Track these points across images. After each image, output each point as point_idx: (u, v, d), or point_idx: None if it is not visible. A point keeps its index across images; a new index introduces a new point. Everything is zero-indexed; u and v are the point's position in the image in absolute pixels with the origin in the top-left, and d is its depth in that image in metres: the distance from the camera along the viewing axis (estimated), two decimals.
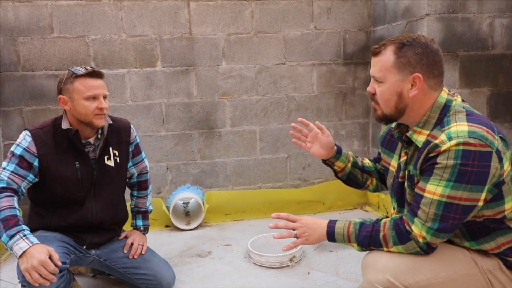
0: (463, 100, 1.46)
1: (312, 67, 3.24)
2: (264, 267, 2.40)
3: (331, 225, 1.50)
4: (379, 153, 1.79)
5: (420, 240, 1.34)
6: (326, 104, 3.31)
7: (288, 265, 2.39)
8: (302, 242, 1.53)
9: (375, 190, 1.85)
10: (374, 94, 1.46)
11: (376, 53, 1.43)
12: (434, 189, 1.31)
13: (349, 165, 1.78)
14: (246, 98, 3.19)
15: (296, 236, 1.54)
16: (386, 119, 1.47)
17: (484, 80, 2.70)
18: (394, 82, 1.39)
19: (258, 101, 3.21)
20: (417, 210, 1.35)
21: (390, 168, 1.63)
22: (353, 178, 1.80)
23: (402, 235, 1.37)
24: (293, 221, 1.55)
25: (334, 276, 2.27)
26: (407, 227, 1.36)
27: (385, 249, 1.40)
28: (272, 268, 2.37)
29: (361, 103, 3.36)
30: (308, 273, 2.32)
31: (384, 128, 1.72)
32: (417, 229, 1.34)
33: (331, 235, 1.49)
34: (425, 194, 1.33)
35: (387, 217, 1.47)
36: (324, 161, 1.79)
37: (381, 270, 1.37)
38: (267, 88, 3.21)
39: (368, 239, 1.42)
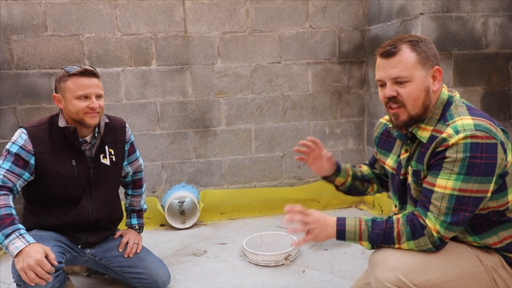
0: (460, 96, 1.48)
1: (307, 65, 3.25)
2: (259, 265, 2.40)
3: (341, 222, 1.44)
4: (373, 156, 1.80)
5: (434, 234, 1.33)
6: (321, 102, 3.31)
7: (283, 264, 2.39)
8: (311, 239, 1.46)
9: (376, 193, 1.87)
10: (394, 97, 1.39)
11: (392, 54, 1.37)
12: (445, 183, 1.31)
13: (349, 179, 1.77)
14: (242, 97, 3.19)
15: (307, 232, 1.46)
16: (412, 121, 1.41)
17: (477, 79, 2.72)
18: (421, 78, 1.38)
19: (253, 100, 3.21)
20: (428, 205, 1.34)
21: (386, 167, 1.64)
22: (354, 189, 1.81)
23: (416, 230, 1.35)
24: (306, 215, 1.47)
25: (329, 274, 2.28)
26: (421, 221, 1.35)
27: (396, 245, 1.38)
28: (267, 266, 2.38)
29: (356, 101, 3.37)
30: (303, 271, 2.32)
31: (378, 129, 1.72)
32: (431, 223, 1.33)
33: (341, 233, 1.43)
34: (436, 189, 1.33)
35: (395, 213, 1.47)
36: (324, 178, 1.78)
37: (391, 268, 1.34)
38: (262, 86, 3.21)
39: (381, 237, 1.39)
